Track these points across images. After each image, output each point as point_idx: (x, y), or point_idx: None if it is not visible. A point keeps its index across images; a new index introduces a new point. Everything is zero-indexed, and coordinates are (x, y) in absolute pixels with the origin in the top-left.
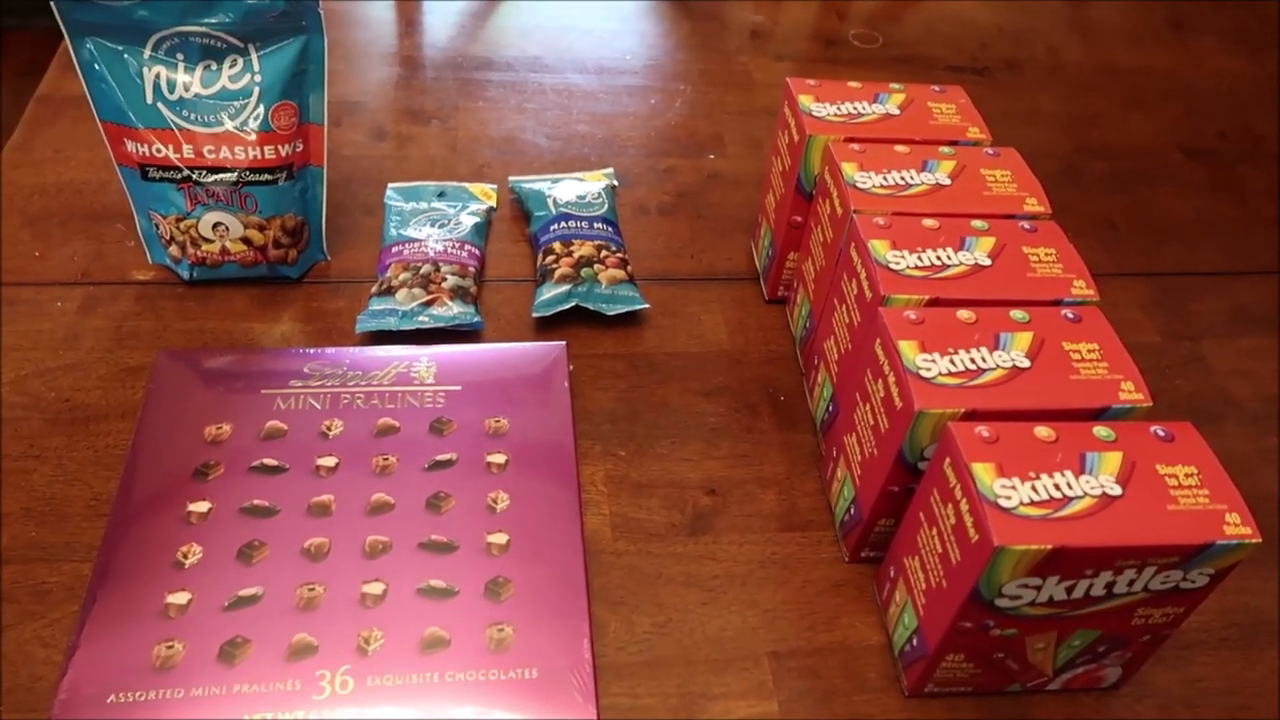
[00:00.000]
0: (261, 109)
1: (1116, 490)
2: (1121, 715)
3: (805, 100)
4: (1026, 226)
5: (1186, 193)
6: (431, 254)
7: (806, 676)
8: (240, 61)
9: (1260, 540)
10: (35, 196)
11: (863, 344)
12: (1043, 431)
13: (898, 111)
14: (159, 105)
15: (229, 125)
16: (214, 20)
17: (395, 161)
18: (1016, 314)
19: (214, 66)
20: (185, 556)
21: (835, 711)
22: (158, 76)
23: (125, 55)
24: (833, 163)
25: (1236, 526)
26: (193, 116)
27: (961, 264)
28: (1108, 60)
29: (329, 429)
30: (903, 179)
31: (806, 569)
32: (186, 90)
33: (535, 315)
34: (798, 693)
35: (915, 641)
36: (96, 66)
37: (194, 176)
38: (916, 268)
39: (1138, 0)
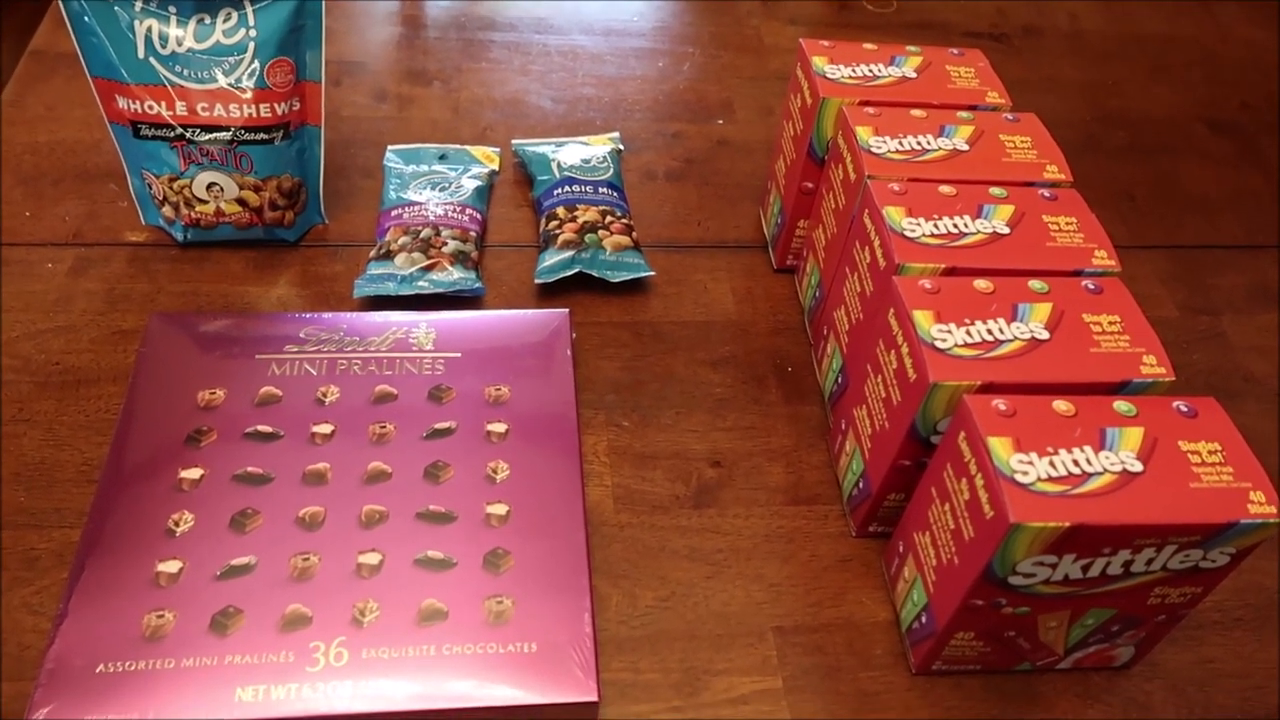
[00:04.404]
0: (257, 65)
1: (1137, 467)
2: (1131, 695)
3: (819, 62)
4: (1046, 194)
5: (1208, 164)
6: (432, 218)
7: (812, 652)
8: (235, 15)
9: None
10: (27, 155)
11: (875, 314)
12: (1061, 405)
13: (914, 75)
14: (151, 60)
15: (223, 82)
16: None
17: (396, 123)
18: (1035, 284)
19: (207, 20)
20: (176, 524)
21: (840, 688)
22: (149, 30)
23: (116, 8)
24: (846, 127)
25: (1261, 505)
26: (185, 72)
27: (979, 232)
28: (1130, 28)
29: (325, 395)
30: (919, 144)
31: (813, 543)
32: (179, 45)
33: (538, 282)
34: (802, 669)
35: (924, 619)
36: (86, 19)
37: (187, 135)
38: (932, 235)
39: None
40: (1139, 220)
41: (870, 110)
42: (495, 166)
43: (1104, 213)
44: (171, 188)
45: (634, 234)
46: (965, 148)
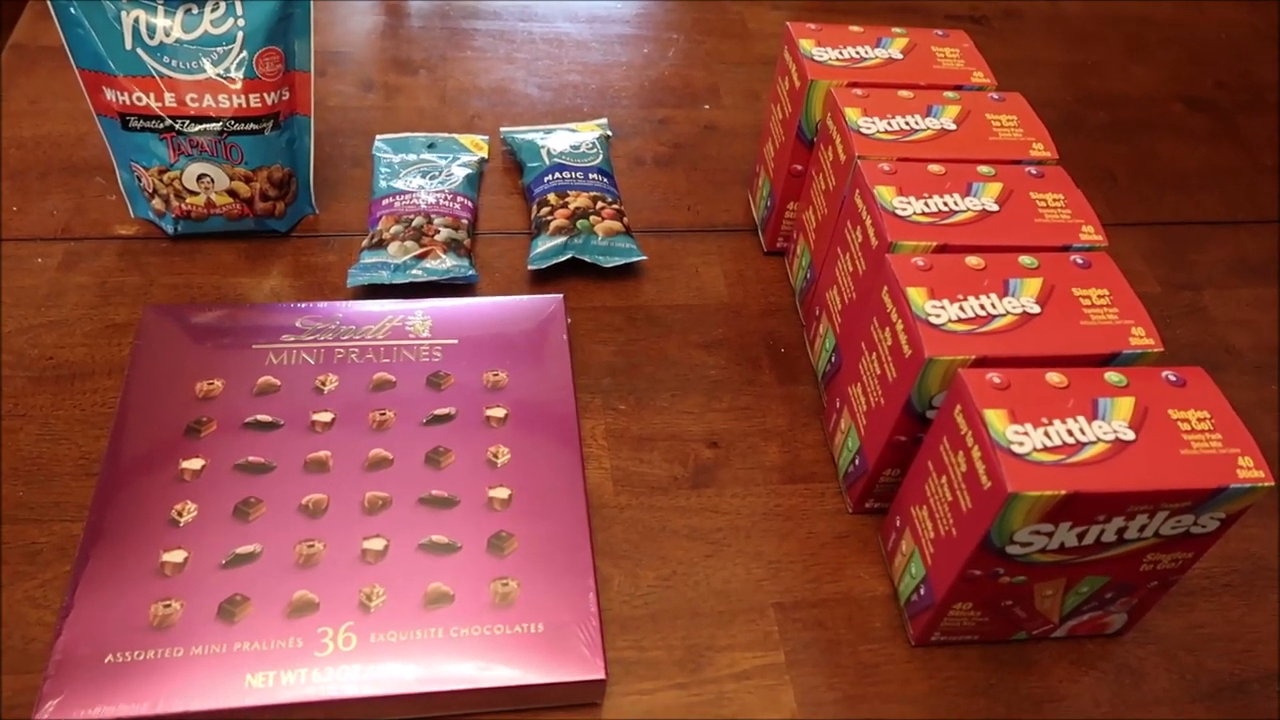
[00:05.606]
0: (245, 55)
1: (1129, 435)
2: (1124, 660)
3: (806, 44)
4: (1033, 172)
5: (1187, 142)
6: (423, 206)
7: (812, 627)
8: (222, 5)
9: (1274, 484)
10: (12, 150)
11: (868, 292)
12: (1054, 377)
13: (901, 56)
14: (138, 51)
15: (211, 72)
16: None
17: (383, 113)
18: (1025, 260)
19: (195, 10)
20: (180, 514)
21: (841, 661)
22: (136, 21)
23: None
24: (835, 108)
25: (1250, 470)
26: (174, 63)
27: (969, 210)
28: (1108, 9)
29: (323, 384)
30: (907, 124)
31: (810, 521)
32: (167, 35)
33: (531, 268)
34: (803, 643)
35: (922, 591)
36: (72, 11)
37: (176, 126)
38: (923, 214)
39: None
40: (1120, 198)
41: (858, 91)
42: (484, 154)
43: (1086, 191)
44: (161, 180)
45: (625, 219)
46: (953, 127)
